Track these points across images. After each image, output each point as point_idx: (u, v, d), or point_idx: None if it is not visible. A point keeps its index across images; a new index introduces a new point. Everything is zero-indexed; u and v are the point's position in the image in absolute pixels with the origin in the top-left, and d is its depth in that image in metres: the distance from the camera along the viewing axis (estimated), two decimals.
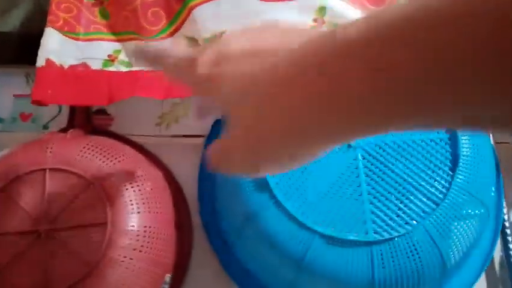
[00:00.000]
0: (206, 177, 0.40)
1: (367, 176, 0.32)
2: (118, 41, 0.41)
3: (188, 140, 0.42)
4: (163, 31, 0.40)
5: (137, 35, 0.40)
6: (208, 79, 0.21)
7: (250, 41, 0.21)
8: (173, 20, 0.40)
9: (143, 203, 0.33)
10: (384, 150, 0.33)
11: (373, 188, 0.32)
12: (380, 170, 0.32)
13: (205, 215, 0.39)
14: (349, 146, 0.33)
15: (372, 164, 0.33)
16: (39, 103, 0.37)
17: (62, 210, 0.32)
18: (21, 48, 0.43)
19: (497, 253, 0.38)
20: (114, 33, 0.42)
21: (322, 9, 0.38)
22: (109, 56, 0.40)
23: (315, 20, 0.39)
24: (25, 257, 0.31)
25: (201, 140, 0.41)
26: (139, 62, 0.27)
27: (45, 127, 0.42)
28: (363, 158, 0.33)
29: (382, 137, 0.33)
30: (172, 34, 0.40)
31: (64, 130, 0.39)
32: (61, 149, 0.34)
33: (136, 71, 0.39)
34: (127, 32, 0.41)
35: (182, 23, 0.39)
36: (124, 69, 0.40)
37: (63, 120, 0.41)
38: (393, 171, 0.32)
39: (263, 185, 0.32)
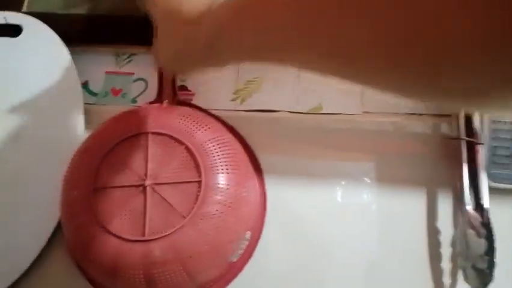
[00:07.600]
0: None
1: None
2: None
3: (261, 114, 0.45)
4: None
5: None
6: None
7: None
8: None
9: (231, 165, 0.37)
10: None
11: None
12: None
13: None
14: None
15: None
16: None
17: (163, 169, 0.36)
18: (112, 30, 0.48)
19: None
20: None
21: None
22: None
23: None
24: (129, 207, 0.36)
25: (273, 115, 0.45)
26: None
27: (133, 101, 0.47)
28: None
29: None
30: None
31: (152, 103, 0.44)
32: (159, 116, 0.39)
33: None
34: None
35: None
36: None
37: (149, 95, 0.46)
38: None
39: None
